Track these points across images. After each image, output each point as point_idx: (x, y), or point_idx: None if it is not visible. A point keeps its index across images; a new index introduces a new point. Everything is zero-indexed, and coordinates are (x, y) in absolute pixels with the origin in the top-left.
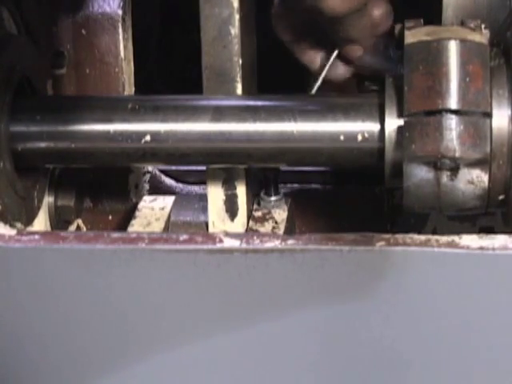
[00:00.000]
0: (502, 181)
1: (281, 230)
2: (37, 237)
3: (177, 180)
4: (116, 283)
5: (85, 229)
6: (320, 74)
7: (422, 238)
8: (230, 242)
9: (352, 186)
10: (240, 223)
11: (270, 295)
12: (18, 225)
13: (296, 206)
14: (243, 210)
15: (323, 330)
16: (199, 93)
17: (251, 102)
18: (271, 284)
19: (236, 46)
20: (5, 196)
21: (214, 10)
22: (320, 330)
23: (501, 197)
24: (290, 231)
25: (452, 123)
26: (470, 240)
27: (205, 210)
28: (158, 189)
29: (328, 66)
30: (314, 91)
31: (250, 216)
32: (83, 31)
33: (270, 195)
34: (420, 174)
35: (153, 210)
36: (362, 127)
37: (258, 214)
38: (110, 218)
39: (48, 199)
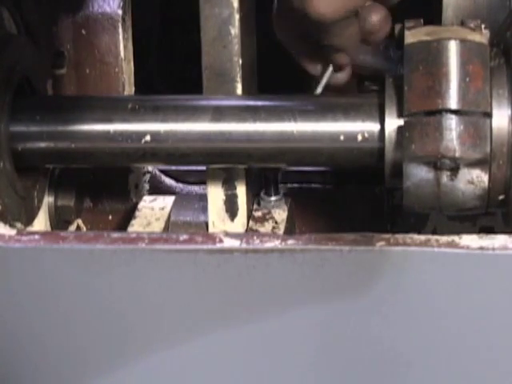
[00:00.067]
0: (502, 181)
1: (281, 230)
2: (37, 237)
3: (177, 180)
4: (116, 283)
5: (85, 229)
6: (320, 77)
7: (422, 238)
8: (229, 242)
9: (352, 186)
10: (240, 223)
11: (270, 295)
12: (18, 225)
13: (296, 206)
14: (243, 210)
15: (323, 330)
16: (199, 93)
17: (251, 102)
18: (271, 284)
19: (236, 46)
20: (5, 196)
21: (214, 10)
22: (320, 329)
23: (501, 197)
24: (290, 231)
25: (452, 123)
26: (470, 240)
27: (205, 210)
28: (157, 189)
29: (328, 75)
30: (319, 91)
31: (249, 216)
32: (83, 31)
33: (270, 195)
34: (420, 174)
35: (153, 210)
36: (362, 127)
37: (257, 213)
38: (110, 217)
39: (48, 199)
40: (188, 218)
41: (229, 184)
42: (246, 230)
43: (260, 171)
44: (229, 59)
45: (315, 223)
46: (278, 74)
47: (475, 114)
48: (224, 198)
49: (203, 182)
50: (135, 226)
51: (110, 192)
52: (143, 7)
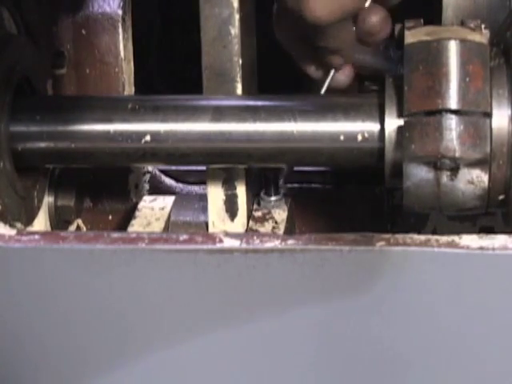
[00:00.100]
0: (502, 181)
1: (281, 230)
2: (37, 237)
3: (177, 180)
4: (116, 283)
5: (85, 229)
6: (322, 80)
7: (422, 238)
8: (229, 242)
9: (352, 186)
10: (240, 223)
11: (270, 295)
12: (18, 225)
13: (296, 206)
14: (243, 210)
15: (323, 330)
16: (199, 93)
17: (251, 102)
18: (271, 284)
19: (236, 46)
20: (5, 196)
21: (214, 10)
22: (320, 329)
23: (501, 197)
24: (289, 231)
25: (452, 123)
26: (470, 240)
27: (205, 210)
28: (157, 189)
29: (331, 77)
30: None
31: (249, 216)
32: (83, 31)
33: (270, 195)
34: (420, 174)
35: (153, 210)
36: (362, 127)
37: (257, 213)
38: (110, 217)
39: (48, 199)
40: (188, 218)
41: (229, 184)
42: (246, 230)
43: (260, 171)
44: (229, 59)
45: (315, 223)
46: (278, 74)
47: (475, 114)
48: (224, 197)
49: (203, 182)
50: (135, 226)
51: (110, 192)
52: (143, 7)
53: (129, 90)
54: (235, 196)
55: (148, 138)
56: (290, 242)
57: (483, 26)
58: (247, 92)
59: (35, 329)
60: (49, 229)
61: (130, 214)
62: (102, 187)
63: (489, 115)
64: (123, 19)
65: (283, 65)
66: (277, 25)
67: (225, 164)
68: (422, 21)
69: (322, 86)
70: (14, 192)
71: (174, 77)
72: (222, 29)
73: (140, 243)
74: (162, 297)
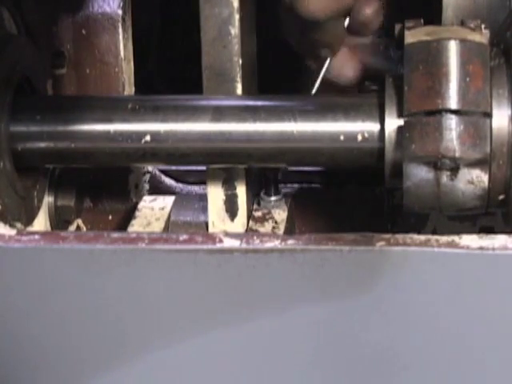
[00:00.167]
0: (502, 181)
1: (281, 230)
2: (37, 237)
3: (177, 180)
4: (116, 283)
5: (85, 229)
6: (326, 73)
7: (422, 238)
8: (229, 242)
9: (352, 186)
10: (240, 223)
11: (270, 295)
12: (18, 225)
13: (296, 206)
14: (243, 210)
15: (323, 330)
16: (199, 93)
17: (251, 102)
18: (271, 284)
19: (236, 46)
20: (5, 196)
21: (213, 10)
22: (320, 329)
23: (501, 197)
24: (289, 231)
25: (452, 123)
26: (470, 240)
27: (205, 210)
28: (157, 189)
29: (325, 68)
30: (314, 91)
31: (249, 216)
32: (83, 31)
33: (270, 195)
34: (420, 174)
35: (153, 210)
36: (362, 127)
37: (257, 213)
38: (110, 217)
39: (48, 199)
40: (188, 218)
41: (229, 184)
42: (246, 230)
43: (260, 171)
44: (229, 59)
45: (315, 223)
46: (278, 74)
47: (475, 114)
48: (224, 197)
49: (203, 182)
50: (135, 226)
51: (110, 192)
52: (143, 7)
53: (129, 90)
54: (235, 196)
55: (148, 138)
56: (290, 241)
57: (483, 26)
58: (247, 92)
59: (35, 329)
60: (49, 229)
61: (130, 214)
62: (101, 187)
63: (489, 115)
64: (123, 19)
65: (283, 65)
66: (281, 17)
67: (225, 164)
68: (422, 21)
69: (320, 76)
70: (14, 192)
71: (174, 77)
72: (222, 29)
73: (140, 243)
74: (162, 297)
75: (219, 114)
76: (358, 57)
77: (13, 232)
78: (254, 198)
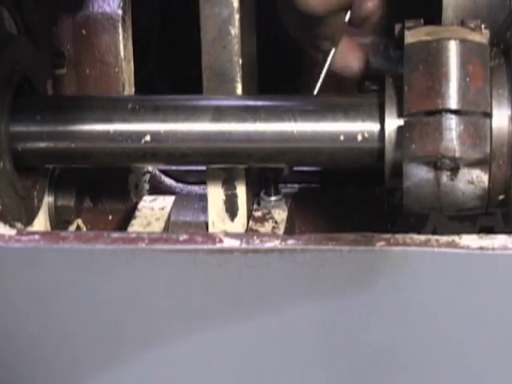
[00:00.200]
0: (502, 181)
1: (281, 230)
2: (37, 237)
3: (177, 180)
4: (116, 283)
5: (85, 229)
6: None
7: (422, 238)
8: (229, 242)
9: (352, 186)
10: (240, 223)
11: (270, 295)
12: (18, 225)
13: (296, 206)
14: (243, 210)
15: (323, 330)
16: (199, 93)
17: (251, 102)
18: (271, 284)
19: (236, 46)
20: (5, 196)
21: (213, 10)
22: (320, 329)
23: (501, 197)
24: (290, 231)
25: (452, 123)
26: (470, 240)
27: (205, 210)
28: (157, 189)
29: (329, 61)
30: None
31: (250, 216)
32: (83, 31)
33: (270, 195)
34: (420, 174)
35: (153, 210)
36: (362, 127)
37: (257, 213)
38: (110, 217)
39: (48, 199)
40: (188, 218)
41: (229, 184)
42: (246, 230)
43: (260, 171)
44: (229, 59)
45: (315, 223)
46: (278, 74)
47: (475, 113)
48: (224, 198)
49: (203, 182)
50: (135, 226)
51: (110, 192)
52: (143, 7)
53: (129, 90)
54: (235, 196)
55: (148, 138)
56: (290, 242)
57: (483, 26)
58: (247, 92)
59: (35, 329)
60: (49, 229)
61: (130, 214)
62: (101, 187)
63: (489, 115)
64: (123, 19)
65: (283, 65)
66: (281, 11)
67: (225, 164)
68: (422, 21)
69: (321, 67)
70: (14, 192)
71: (174, 77)
72: (221, 29)
73: (140, 243)
74: (162, 297)
75: (219, 114)
76: (363, 52)
77: (13, 232)
78: (254, 198)
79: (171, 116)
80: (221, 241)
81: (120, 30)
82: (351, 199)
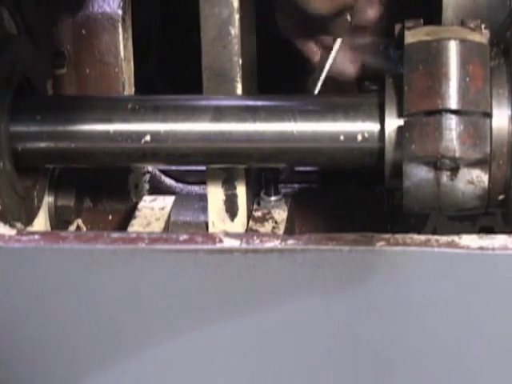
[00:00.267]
0: (502, 181)
1: (281, 230)
2: (37, 237)
3: (177, 180)
4: (116, 283)
5: (85, 229)
6: (321, 66)
7: (422, 238)
8: (230, 242)
9: (352, 186)
10: (240, 223)
11: (270, 295)
12: (18, 225)
13: (296, 206)
14: (243, 210)
15: (323, 330)
16: (199, 93)
17: (251, 102)
18: (271, 284)
19: (236, 46)
20: (5, 196)
21: (213, 10)
22: (320, 329)
23: (501, 197)
24: (289, 231)
25: (452, 123)
26: (470, 240)
27: (205, 210)
28: (157, 189)
29: (331, 60)
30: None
31: (250, 216)
32: (83, 31)
33: (270, 195)
34: (420, 174)
35: (153, 210)
36: (362, 127)
37: (257, 213)
38: (110, 217)
39: (48, 199)
40: (188, 218)
41: (229, 184)
42: (246, 230)
43: (260, 171)
44: (229, 59)
45: (315, 223)
46: (278, 74)
47: (475, 113)
48: (224, 198)
49: (203, 182)
50: (135, 226)
51: (110, 192)
52: (143, 7)
53: (129, 90)
54: (235, 196)
55: (148, 138)
56: (290, 242)
57: (483, 26)
58: (247, 92)
59: (35, 328)
60: (49, 229)
61: (130, 214)
62: (101, 187)
63: (489, 115)
64: (123, 19)
65: (283, 65)
66: (279, 12)
67: (225, 164)
68: (421, 21)
69: (321, 68)
70: (14, 192)
71: (174, 77)
72: (221, 29)
73: (140, 243)
74: (162, 297)
75: (219, 114)
76: (359, 55)
77: (13, 232)
78: (254, 198)
79: (171, 116)
80: (221, 241)
81: (120, 30)
82: (351, 199)
